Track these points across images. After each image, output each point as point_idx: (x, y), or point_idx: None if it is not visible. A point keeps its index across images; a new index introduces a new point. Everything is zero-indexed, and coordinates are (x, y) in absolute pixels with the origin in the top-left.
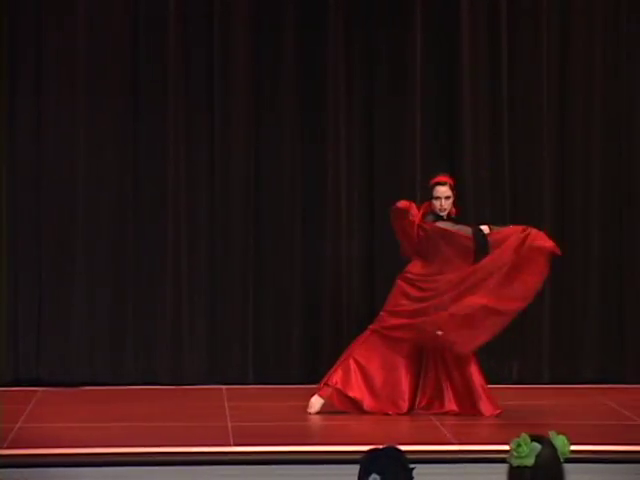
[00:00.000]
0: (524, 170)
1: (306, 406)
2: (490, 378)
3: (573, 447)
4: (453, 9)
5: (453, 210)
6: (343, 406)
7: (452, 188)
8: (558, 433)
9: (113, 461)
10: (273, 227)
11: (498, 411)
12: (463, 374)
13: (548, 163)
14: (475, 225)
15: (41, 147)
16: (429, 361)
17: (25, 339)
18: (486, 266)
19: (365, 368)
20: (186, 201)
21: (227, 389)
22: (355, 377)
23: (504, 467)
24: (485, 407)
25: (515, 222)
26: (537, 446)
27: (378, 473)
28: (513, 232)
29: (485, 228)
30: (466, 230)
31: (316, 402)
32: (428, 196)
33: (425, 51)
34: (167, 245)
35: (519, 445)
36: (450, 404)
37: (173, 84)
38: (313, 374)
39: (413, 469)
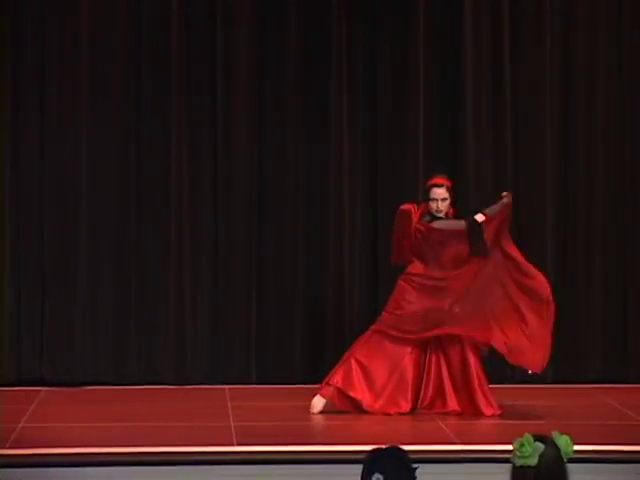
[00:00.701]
0: (527, 170)
1: (308, 406)
2: (494, 378)
3: (576, 447)
4: (456, 9)
5: (450, 211)
6: (344, 406)
7: (449, 190)
8: (561, 433)
9: (115, 461)
10: (276, 227)
11: (499, 411)
12: (465, 374)
13: (550, 163)
14: (470, 216)
15: (44, 146)
16: (431, 361)
17: (28, 339)
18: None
19: (367, 368)
20: (189, 201)
21: (230, 389)
22: (357, 377)
23: (507, 467)
24: (486, 407)
25: (517, 222)
26: (540, 446)
27: (381, 473)
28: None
29: (480, 217)
30: (460, 224)
31: (318, 402)
32: (426, 197)
33: (428, 51)
34: (170, 245)
35: (522, 445)
36: (452, 404)
37: (176, 84)
38: (315, 374)
39: (416, 469)
